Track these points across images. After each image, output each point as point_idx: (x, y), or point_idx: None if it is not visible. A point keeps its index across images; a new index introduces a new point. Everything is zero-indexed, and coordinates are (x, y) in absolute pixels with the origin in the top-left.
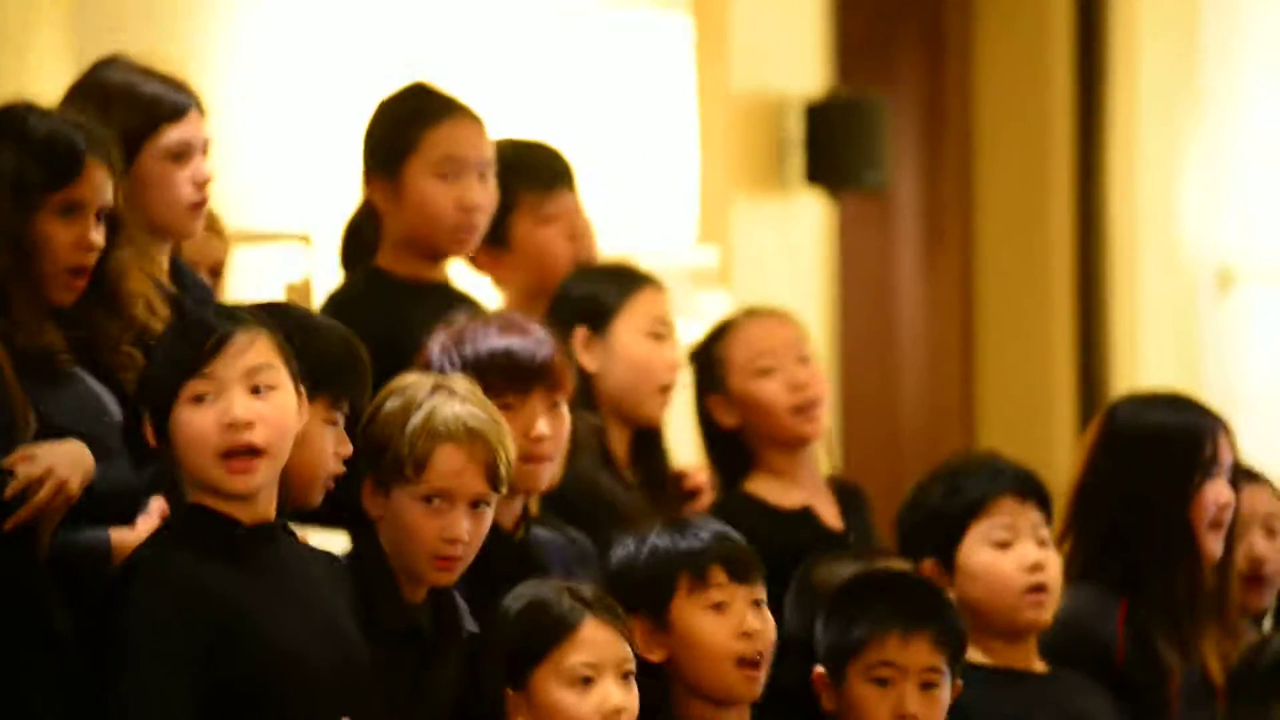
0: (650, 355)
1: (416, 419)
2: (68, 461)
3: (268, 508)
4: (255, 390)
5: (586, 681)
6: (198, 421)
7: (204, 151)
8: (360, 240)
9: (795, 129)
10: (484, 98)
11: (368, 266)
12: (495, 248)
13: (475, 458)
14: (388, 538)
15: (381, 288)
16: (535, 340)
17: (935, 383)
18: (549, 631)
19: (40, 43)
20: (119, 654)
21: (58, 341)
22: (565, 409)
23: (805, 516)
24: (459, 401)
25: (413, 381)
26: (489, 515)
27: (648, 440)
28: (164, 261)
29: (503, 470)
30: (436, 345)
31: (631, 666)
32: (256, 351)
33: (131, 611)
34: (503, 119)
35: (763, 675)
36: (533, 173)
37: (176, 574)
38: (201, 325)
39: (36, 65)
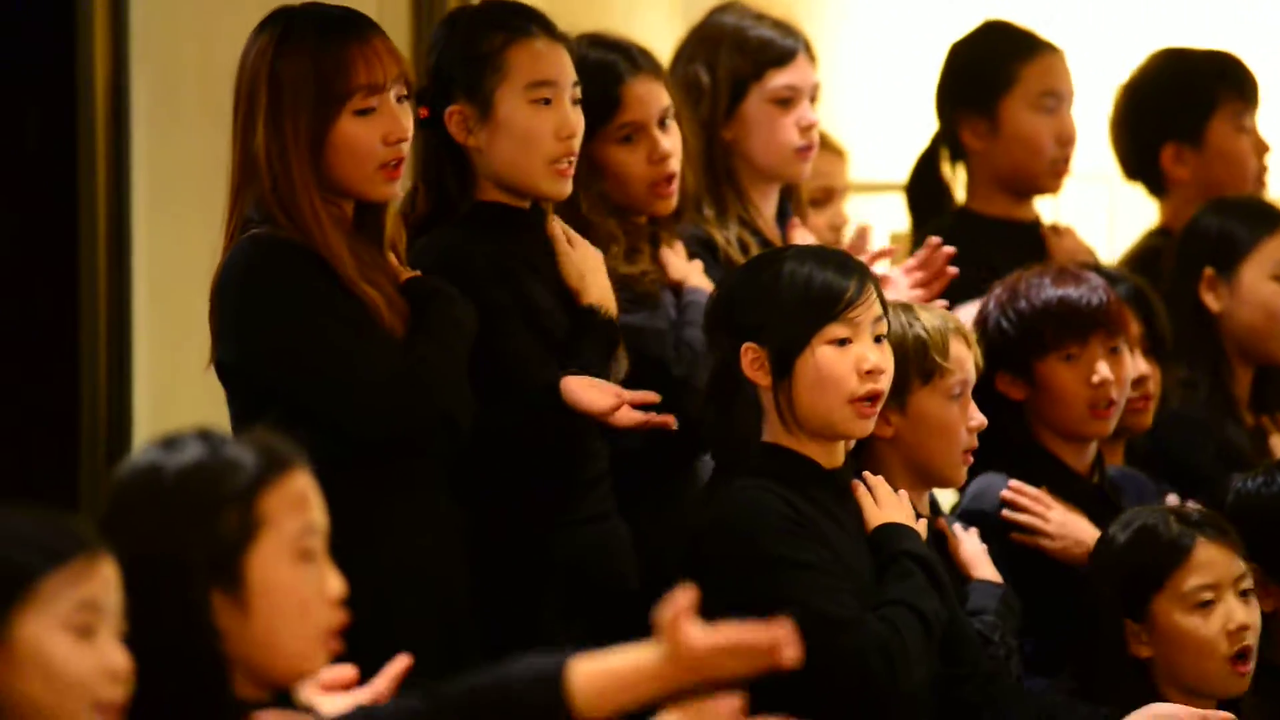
0: (1276, 299)
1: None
2: None
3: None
4: (878, 340)
5: (1206, 604)
6: (837, 363)
7: (812, 97)
8: (931, 184)
9: None
10: (1085, 36)
11: (955, 209)
12: (1184, 146)
13: None
14: None
15: (973, 229)
16: (1089, 287)
17: None
18: (1164, 557)
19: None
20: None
21: (647, 265)
22: (1127, 353)
23: None
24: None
25: None
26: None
27: (1272, 380)
28: (770, 205)
29: None
30: (992, 299)
31: (1248, 583)
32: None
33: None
34: (1106, 62)
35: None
36: (1238, 81)
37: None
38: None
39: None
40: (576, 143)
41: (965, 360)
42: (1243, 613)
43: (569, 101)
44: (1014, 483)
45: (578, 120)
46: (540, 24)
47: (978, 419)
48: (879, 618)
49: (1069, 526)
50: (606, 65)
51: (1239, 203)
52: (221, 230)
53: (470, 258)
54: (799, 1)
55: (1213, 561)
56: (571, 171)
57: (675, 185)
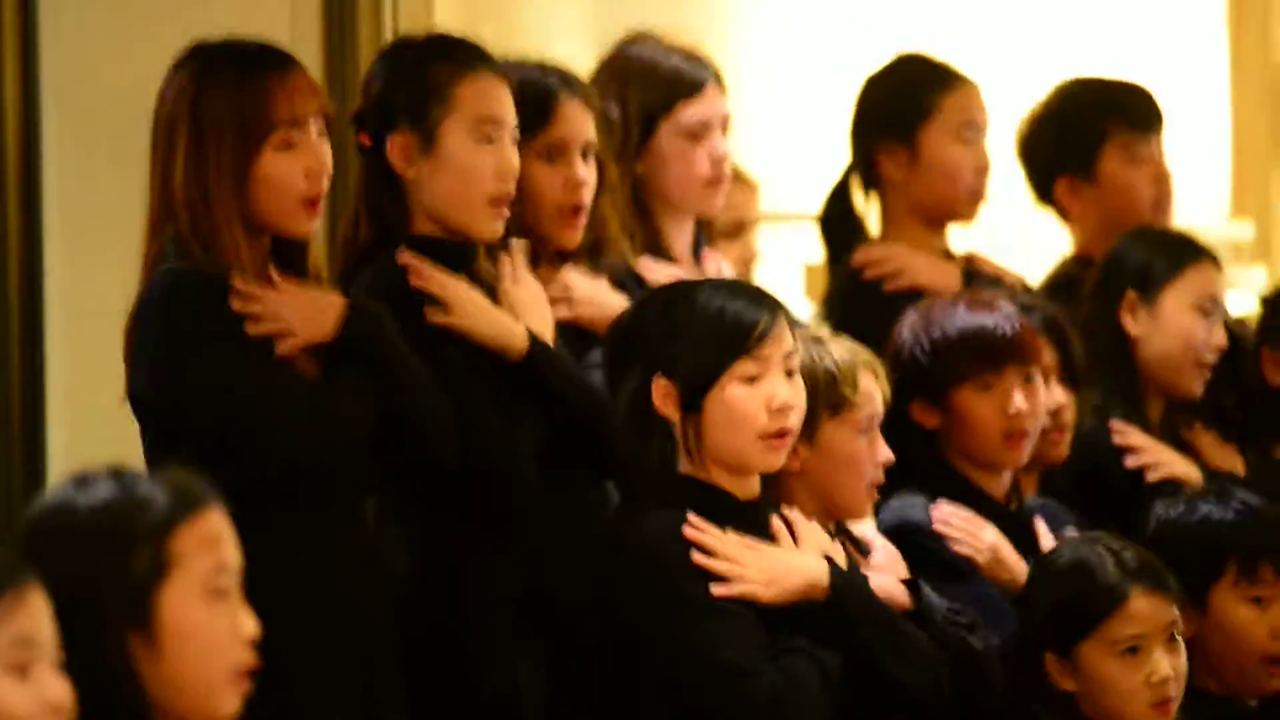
0: (1195, 330)
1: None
2: None
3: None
4: (789, 374)
5: (1133, 651)
6: (747, 401)
7: (723, 128)
8: (844, 215)
9: None
10: (1001, 69)
11: (870, 240)
12: (1077, 180)
13: None
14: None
15: None
16: (1002, 316)
17: None
18: (1098, 603)
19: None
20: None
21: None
22: (1040, 382)
23: None
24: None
25: None
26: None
27: (1181, 413)
28: (685, 237)
29: None
30: (905, 326)
31: (1179, 628)
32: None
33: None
34: (1019, 90)
35: None
36: (1128, 111)
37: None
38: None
39: (559, 11)
40: (513, 184)
41: (874, 394)
42: (1167, 663)
43: (509, 141)
44: (943, 508)
45: (517, 162)
46: (488, 61)
47: (885, 454)
48: (777, 668)
49: (1001, 550)
50: (545, 82)
51: (1162, 232)
52: (138, 264)
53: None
54: (703, 32)
55: (1145, 613)
56: (506, 214)
57: (582, 220)
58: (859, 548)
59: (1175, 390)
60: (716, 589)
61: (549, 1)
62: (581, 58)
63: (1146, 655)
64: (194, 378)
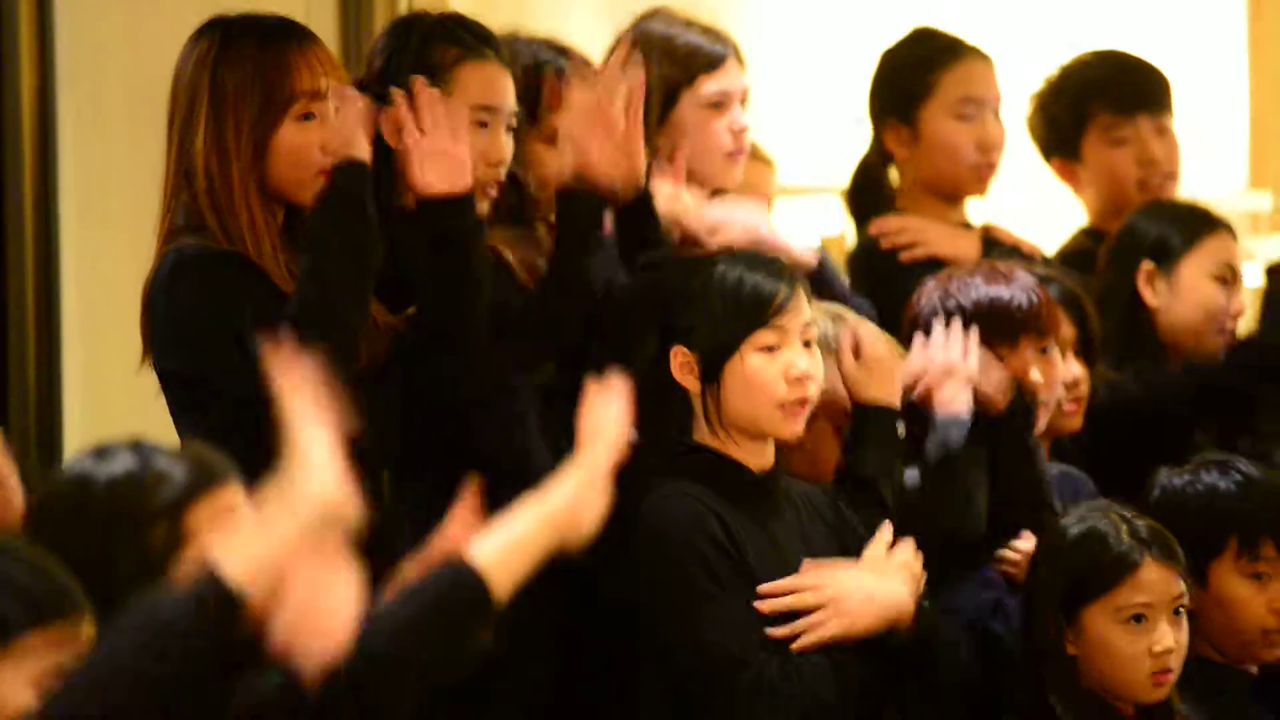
0: (1215, 298)
1: None
2: None
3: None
4: (807, 344)
5: (1139, 619)
6: (766, 370)
7: (742, 101)
8: (869, 189)
9: None
10: (1019, 43)
11: (895, 211)
12: (1067, 160)
13: None
14: None
15: None
16: (1020, 287)
17: None
18: (1109, 570)
19: None
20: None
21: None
22: (1057, 354)
23: None
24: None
25: None
26: None
27: None
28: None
29: None
30: (923, 296)
31: (1185, 601)
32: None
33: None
34: (1038, 65)
35: None
36: (1110, 93)
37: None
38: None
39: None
40: (501, 171)
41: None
42: (1170, 636)
43: (504, 128)
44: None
45: (509, 148)
46: (494, 47)
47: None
48: (776, 662)
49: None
50: (555, 64)
51: (1175, 204)
52: (154, 236)
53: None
54: (713, 9)
55: (1154, 582)
56: (494, 194)
57: None
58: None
59: (1198, 357)
60: (795, 645)
61: None
62: (595, 36)
63: (1151, 625)
64: (210, 352)
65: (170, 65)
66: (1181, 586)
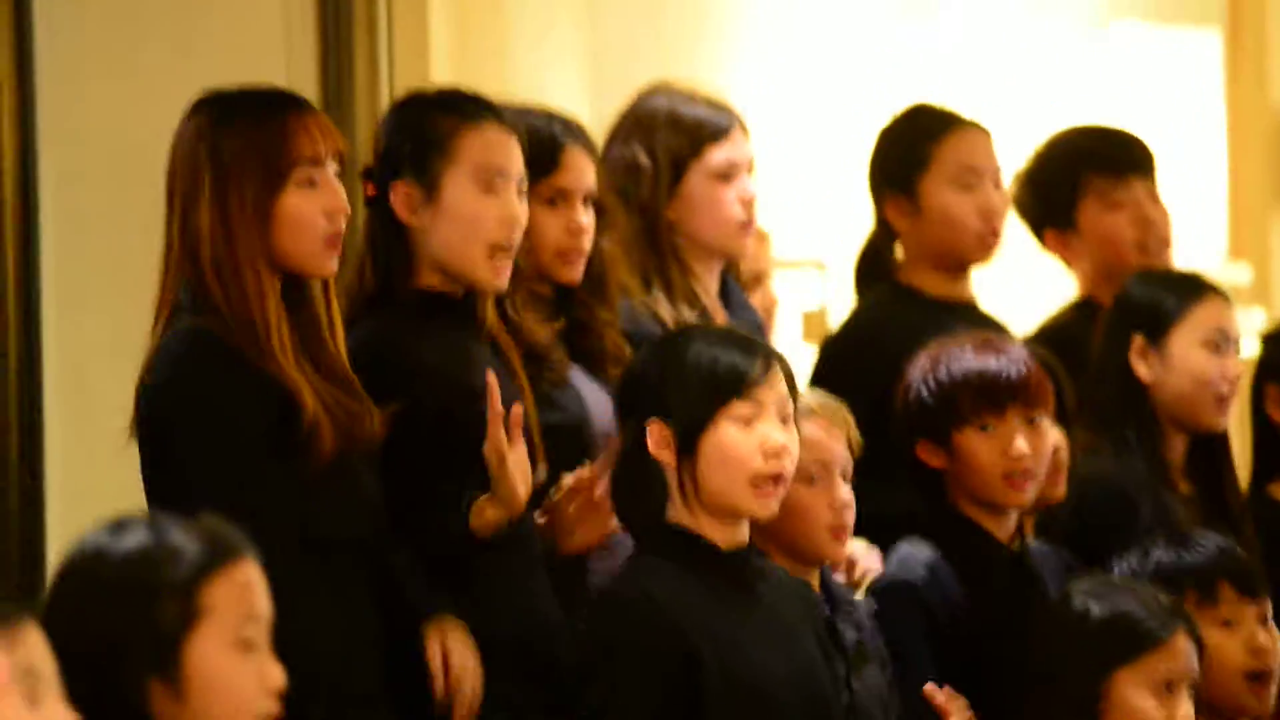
0: (1208, 366)
1: None
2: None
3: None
4: (784, 421)
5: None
6: (741, 442)
7: (749, 170)
8: (877, 263)
9: None
10: (1003, 117)
11: (894, 283)
12: (1062, 231)
13: None
14: None
15: (909, 304)
16: (1010, 359)
17: None
18: (1142, 639)
19: (557, 40)
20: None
21: (550, 339)
22: (1046, 424)
23: None
24: None
25: None
26: None
27: (1206, 448)
28: (714, 281)
29: None
30: (915, 368)
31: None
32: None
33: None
34: (1022, 138)
35: (1273, 691)
36: (1103, 158)
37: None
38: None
39: (553, 61)
40: (518, 234)
41: (820, 440)
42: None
43: (515, 192)
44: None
45: (523, 211)
46: (494, 113)
47: (841, 498)
48: None
49: None
50: (551, 130)
51: (1166, 273)
52: (152, 312)
53: (410, 351)
54: (700, 84)
55: (1183, 653)
56: (509, 266)
57: (583, 261)
58: (837, 596)
59: (1198, 427)
60: None
61: (543, 51)
62: (575, 109)
63: (1176, 699)
64: (189, 464)
65: (152, 140)
66: (1195, 665)
